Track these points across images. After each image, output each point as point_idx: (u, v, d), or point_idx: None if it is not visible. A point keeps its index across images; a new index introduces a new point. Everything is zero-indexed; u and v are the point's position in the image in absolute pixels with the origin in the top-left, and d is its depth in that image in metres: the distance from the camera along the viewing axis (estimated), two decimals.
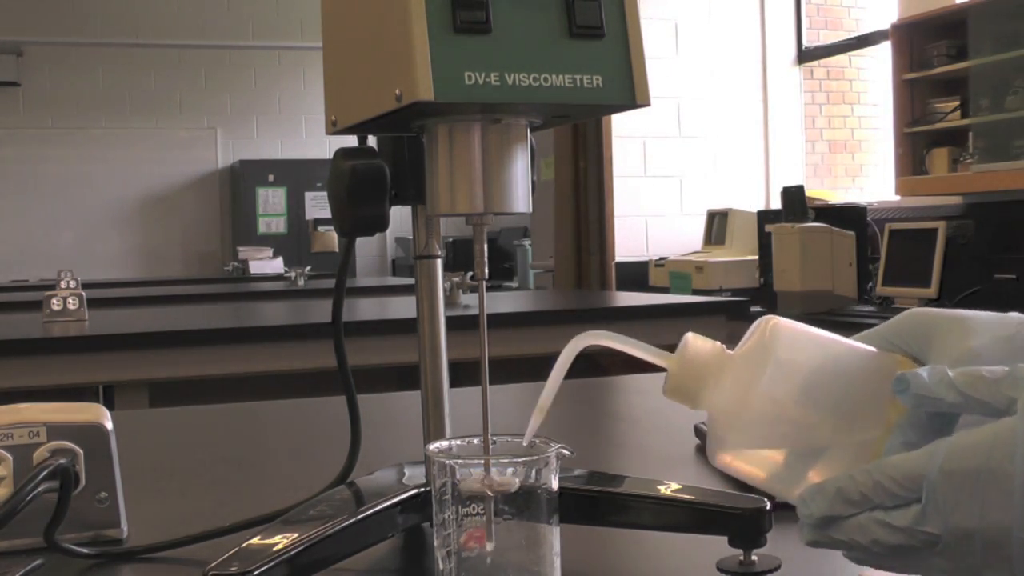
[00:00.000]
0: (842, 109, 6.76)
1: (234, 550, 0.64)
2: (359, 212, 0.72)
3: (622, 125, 6.08)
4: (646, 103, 0.64)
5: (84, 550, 0.77)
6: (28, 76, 9.25)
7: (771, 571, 0.67)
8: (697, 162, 6.22)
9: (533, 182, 0.70)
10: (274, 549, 0.64)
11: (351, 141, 0.74)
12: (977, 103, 4.41)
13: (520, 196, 0.67)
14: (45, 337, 2.81)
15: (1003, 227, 4.36)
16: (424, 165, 0.68)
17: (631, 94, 0.64)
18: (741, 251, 5.51)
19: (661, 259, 5.83)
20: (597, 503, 0.73)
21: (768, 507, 0.68)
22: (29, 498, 0.72)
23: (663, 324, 3.19)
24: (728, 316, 3.40)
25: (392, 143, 0.74)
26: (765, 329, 0.56)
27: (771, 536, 0.68)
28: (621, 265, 6.08)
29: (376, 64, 0.65)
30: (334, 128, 0.71)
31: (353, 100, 0.68)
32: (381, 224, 0.73)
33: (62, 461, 0.75)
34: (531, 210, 0.69)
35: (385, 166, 0.72)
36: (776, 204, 5.41)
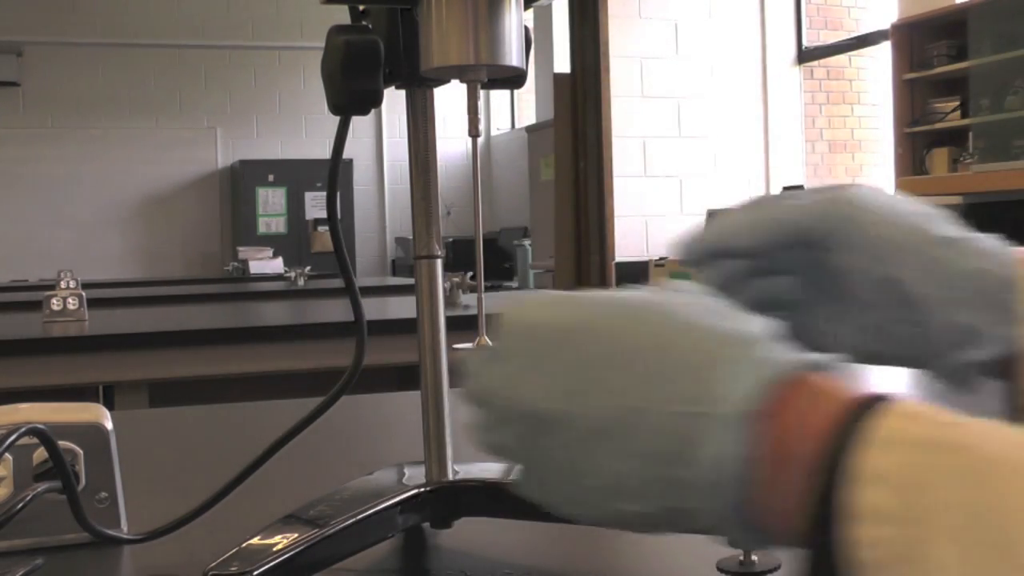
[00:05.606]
0: (842, 109, 6.77)
1: (234, 550, 0.64)
2: (352, 86, 0.71)
3: (622, 125, 6.09)
4: None
5: (123, 535, 0.77)
6: (28, 76, 9.25)
7: (771, 571, 0.67)
8: (697, 162, 6.22)
9: (528, 42, 0.71)
10: (274, 549, 0.64)
11: (344, 17, 0.74)
12: (977, 103, 4.41)
13: (514, 50, 0.68)
14: (45, 337, 2.80)
15: (1003, 227, 4.36)
16: (417, 45, 0.69)
17: None
18: None
19: (661, 259, 5.83)
20: None
21: None
22: (29, 498, 0.72)
23: None
24: None
25: (387, 22, 0.73)
26: None
27: None
28: (621, 265, 6.09)
29: None
30: None
31: None
32: (374, 100, 0.72)
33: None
34: (524, 67, 0.69)
35: (379, 40, 0.72)
36: None
